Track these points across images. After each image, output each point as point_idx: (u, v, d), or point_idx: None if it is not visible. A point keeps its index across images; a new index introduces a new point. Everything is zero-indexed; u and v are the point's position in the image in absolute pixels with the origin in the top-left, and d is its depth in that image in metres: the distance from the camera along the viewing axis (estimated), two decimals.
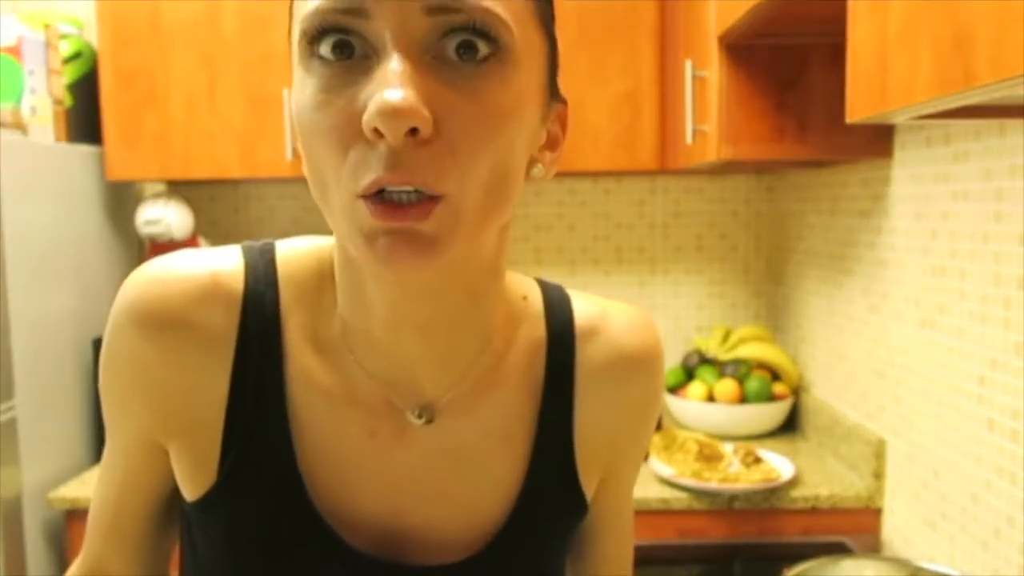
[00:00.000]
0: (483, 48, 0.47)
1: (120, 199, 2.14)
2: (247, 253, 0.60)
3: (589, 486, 0.66)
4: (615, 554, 0.73)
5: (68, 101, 1.99)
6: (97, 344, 1.93)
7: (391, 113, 0.43)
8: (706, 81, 1.58)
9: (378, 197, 0.46)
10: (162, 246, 2.11)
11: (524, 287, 0.65)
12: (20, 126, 1.81)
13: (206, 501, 0.59)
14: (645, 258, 2.34)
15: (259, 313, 0.58)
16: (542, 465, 0.62)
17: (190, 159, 1.98)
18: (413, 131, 0.45)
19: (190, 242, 2.12)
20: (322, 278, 0.60)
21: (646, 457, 1.83)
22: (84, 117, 2.03)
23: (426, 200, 0.46)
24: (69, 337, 1.90)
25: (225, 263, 0.59)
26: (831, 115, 1.57)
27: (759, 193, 2.32)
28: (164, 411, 0.59)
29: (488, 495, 0.61)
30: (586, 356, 0.64)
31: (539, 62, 0.52)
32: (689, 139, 1.64)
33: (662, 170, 2.00)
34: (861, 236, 1.73)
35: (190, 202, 2.12)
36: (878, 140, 1.58)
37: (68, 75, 2.00)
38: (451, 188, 0.47)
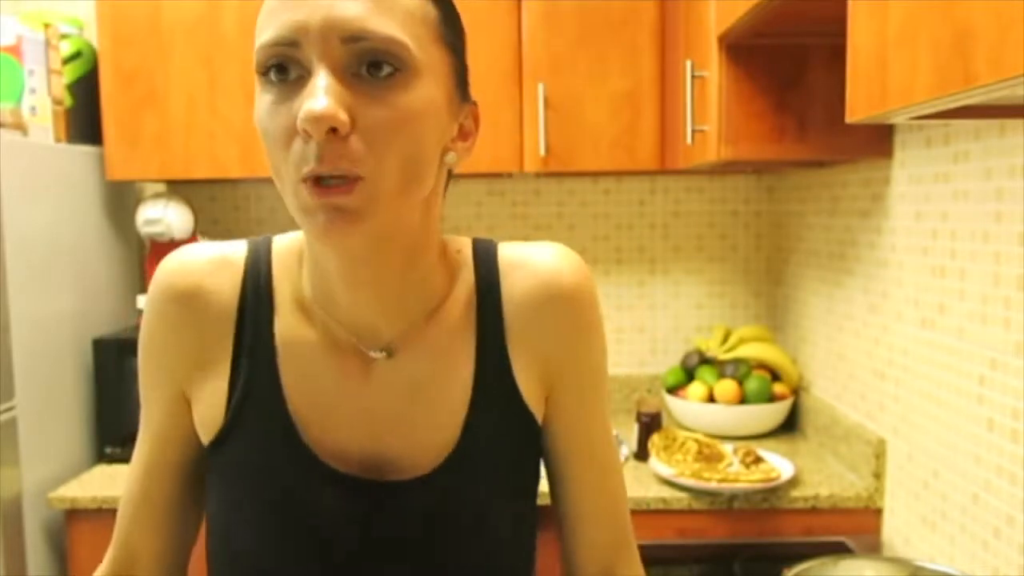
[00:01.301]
0: (387, 66, 0.61)
1: (120, 199, 2.14)
2: (251, 242, 0.77)
3: (534, 402, 0.76)
4: (600, 487, 0.80)
5: (68, 101, 1.99)
6: (97, 344, 1.93)
7: (313, 118, 0.58)
8: (706, 81, 1.58)
9: (315, 180, 0.60)
10: (162, 246, 2.11)
11: (459, 244, 0.78)
12: (20, 126, 1.81)
13: (218, 441, 0.72)
14: (645, 258, 2.34)
15: (255, 284, 0.74)
16: (485, 386, 0.74)
17: (190, 159, 1.98)
18: (334, 130, 0.59)
19: (190, 242, 2.12)
20: (302, 255, 0.74)
21: (644, 455, 1.83)
22: (84, 117, 2.03)
23: (350, 181, 0.60)
24: (69, 337, 1.90)
25: (232, 248, 0.76)
26: (831, 115, 1.57)
27: (759, 193, 2.32)
28: (190, 362, 0.73)
29: (445, 416, 0.73)
30: (510, 288, 0.76)
31: (443, 73, 0.66)
32: (689, 139, 1.64)
33: (662, 170, 2.00)
34: (861, 236, 1.73)
35: (190, 202, 2.12)
36: (878, 140, 1.58)
37: (68, 75, 2.00)
38: (368, 171, 0.60)
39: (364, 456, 0.72)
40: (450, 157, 0.69)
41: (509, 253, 0.77)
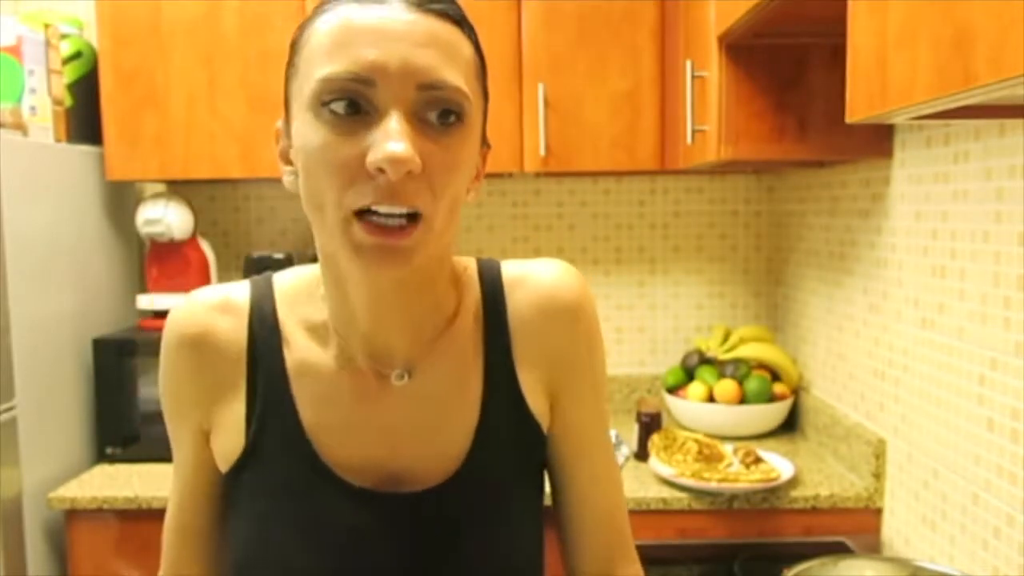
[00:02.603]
0: (452, 116, 0.65)
1: (120, 199, 2.14)
2: (252, 281, 0.81)
3: (539, 411, 0.79)
4: (599, 491, 0.83)
5: (68, 101, 1.99)
6: (97, 344, 1.93)
7: (396, 160, 0.61)
8: (706, 81, 1.58)
9: (368, 216, 0.63)
10: (162, 246, 2.11)
11: (464, 262, 0.82)
12: (20, 126, 1.81)
13: (238, 466, 0.76)
14: (645, 258, 2.34)
15: (261, 318, 0.78)
16: (494, 397, 0.77)
17: (190, 159, 1.98)
18: (407, 171, 0.62)
19: (190, 242, 2.12)
20: (312, 287, 0.78)
21: (644, 455, 1.83)
22: (84, 117, 2.03)
23: (409, 223, 0.64)
24: (69, 337, 1.90)
25: (235, 289, 0.80)
26: (831, 115, 1.57)
27: (759, 193, 2.32)
28: (206, 400, 0.77)
29: (457, 429, 0.76)
30: (515, 303, 0.79)
31: (480, 118, 0.71)
32: (689, 139, 1.64)
33: (662, 170, 2.00)
34: (861, 236, 1.73)
35: (190, 202, 2.12)
36: (878, 140, 1.58)
37: (68, 75, 2.00)
38: (428, 209, 0.64)
39: (381, 470, 0.75)
40: (470, 196, 0.73)
41: (512, 270, 0.81)
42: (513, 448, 0.78)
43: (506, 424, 0.77)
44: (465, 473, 0.75)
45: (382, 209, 0.63)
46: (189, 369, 0.77)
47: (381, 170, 0.61)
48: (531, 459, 0.80)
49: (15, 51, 1.85)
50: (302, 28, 0.69)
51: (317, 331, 0.77)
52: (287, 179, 0.72)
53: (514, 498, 0.78)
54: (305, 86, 0.66)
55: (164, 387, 0.80)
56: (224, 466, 0.77)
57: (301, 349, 0.76)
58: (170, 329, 0.79)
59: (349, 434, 0.75)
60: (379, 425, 0.75)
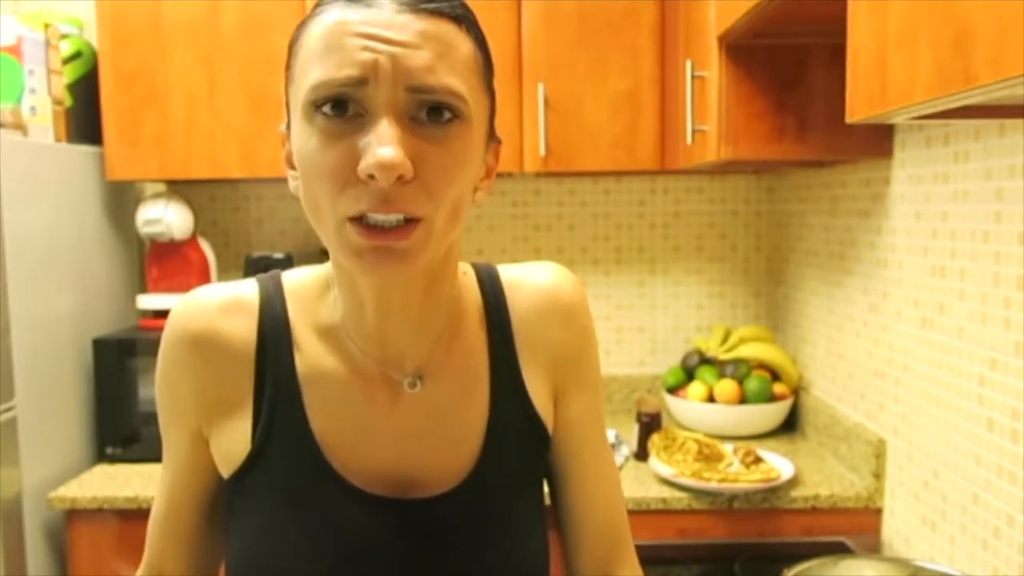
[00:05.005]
0: (447, 114, 0.64)
1: (120, 199, 2.14)
2: (260, 280, 0.79)
3: (545, 411, 0.80)
4: (597, 490, 0.84)
5: (68, 101, 1.99)
6: (97, 344, 1.93)
7: (385, 166, 0.60)
8: (706, 81, 1.58)
9: (362, 221, 0.62)
10: (162, 246, 2.11)
11: (463, 267, 0.82)
12: (20, 126, 1.81)
13: (243, 470, 0.74)
14: (645, 258, 2.34)
15: (272, 320, 0.76)
16: (501, 399, 0.77)
17: (190, 159, 1.98)
18: (399, 176, 0.61)
19: (190, 242, 2.12)
20: (322, 288, 0.77)
21: (644, 455, 1.83)
22: (84, 117, 2.03)
23: (407, 224, 0.63)
24: (69, 337, 1.90)
25: (244, 287, 0.78)
26: (831, 115, 1.57)
27: (759, 193, 2.32)
28: (207, 402, 0.75)
29: (467, 433, 0.76)
30: (516, 305, 0.80)
31: (484, 115, 0.70)
32: (689, 139, 1.64)
33: (662, 170, 2.00)
34: (861, 236, 1.73)
35: (190, 202, 2.12)
36: (878, 140, 1.58)
37: (68, 75, 2.00)
38: (426, 212, 0.63)
39: (391, 476, 0.74)
40: (478, 195, 0.73)
41: (509, 274, 0.82)
42: (521, 451, 0.78)
43: (514, 427, 0.77)
44: (476, 477, 0.75)
45: (376, 217, 0.62)
46: (190, 369, 0.75)
47: (372, 176, 0.60)
48: (536, 461, 0.80)
49: (15, 51, 1.85)
50: (298, 31, 0.68)
51: (328, 334, 0.75)
52: (291, 184, 0.71)
53: (523, 501, 0.78)
54: (299, 91, 0.65)
55: (161, 385, 0.77)
56: (227, 471, 0.75)
57: (312, 353, 0.75)
58: (173, 325, 0.76)
59: (360, 441, 0.74)
60: (390, 431, 0.74)
